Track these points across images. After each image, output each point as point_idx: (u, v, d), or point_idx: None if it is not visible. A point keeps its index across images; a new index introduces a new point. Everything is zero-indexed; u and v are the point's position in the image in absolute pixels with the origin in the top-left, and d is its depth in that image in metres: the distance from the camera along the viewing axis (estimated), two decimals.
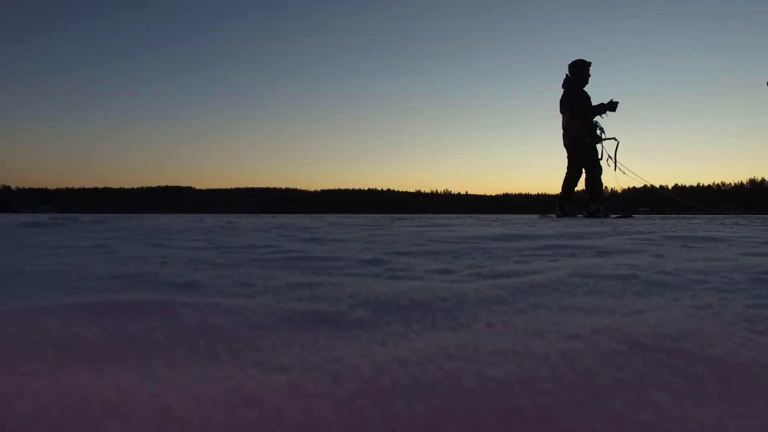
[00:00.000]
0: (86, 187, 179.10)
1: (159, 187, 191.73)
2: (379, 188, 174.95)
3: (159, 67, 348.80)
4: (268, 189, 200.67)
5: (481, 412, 0.62)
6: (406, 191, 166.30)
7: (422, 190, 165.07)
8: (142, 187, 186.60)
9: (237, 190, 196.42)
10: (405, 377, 0.73)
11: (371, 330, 1.04)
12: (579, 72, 11.18)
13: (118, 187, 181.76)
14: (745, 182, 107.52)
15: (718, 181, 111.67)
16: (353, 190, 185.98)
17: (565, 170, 11.90)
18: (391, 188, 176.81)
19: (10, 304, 1.18)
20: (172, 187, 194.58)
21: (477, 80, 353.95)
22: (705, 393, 0.67)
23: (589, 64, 10.99)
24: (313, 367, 0.79)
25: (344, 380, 0.73)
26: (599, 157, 11.45)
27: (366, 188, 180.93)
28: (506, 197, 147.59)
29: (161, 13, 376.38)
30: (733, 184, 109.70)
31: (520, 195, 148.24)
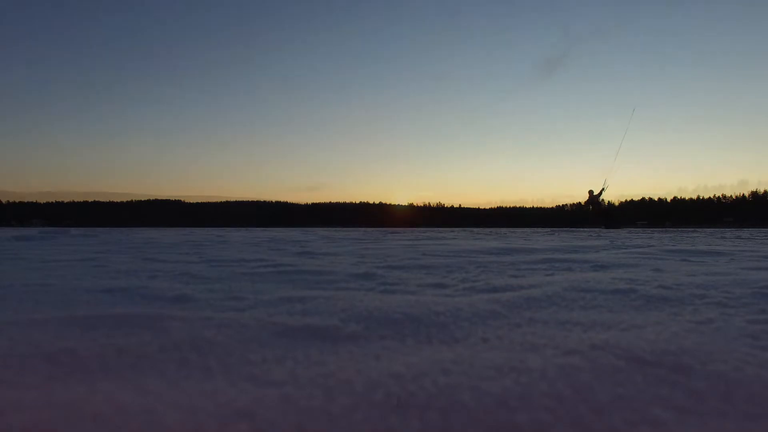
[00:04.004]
0: (76, 200, 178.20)
1: (148, 200, 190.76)
2: (371, 201, 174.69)
3: (146, 80, 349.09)
4: (257, 202, 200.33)
5: (477, 427, 0.60)
6: (399, 204, 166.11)
7: (415, 203, 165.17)
8: (131, 201, 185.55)
9: (226, 203, 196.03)
10: (399, 392, 0.72)
11: (364, 344, 1.02)
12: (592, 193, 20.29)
13: (107, 200, 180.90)
14: (747, 195, 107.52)
15: (718, 194, 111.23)
16: (345, 204, 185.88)
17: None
18: (384, 201, 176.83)
19: (1, 318, 1.16)
20: (161, 200, 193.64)
21: (469, 91, 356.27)
22: (707, 409, 0.66)
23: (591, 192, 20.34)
24: (305, 382, 0.78)
25: (337, 395, 0.71)
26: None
27: (357, 201, 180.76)
28: (500, 210, 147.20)
29: (156, 24, 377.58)
30: (734, 197, 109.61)
31: (514, 208, 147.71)
